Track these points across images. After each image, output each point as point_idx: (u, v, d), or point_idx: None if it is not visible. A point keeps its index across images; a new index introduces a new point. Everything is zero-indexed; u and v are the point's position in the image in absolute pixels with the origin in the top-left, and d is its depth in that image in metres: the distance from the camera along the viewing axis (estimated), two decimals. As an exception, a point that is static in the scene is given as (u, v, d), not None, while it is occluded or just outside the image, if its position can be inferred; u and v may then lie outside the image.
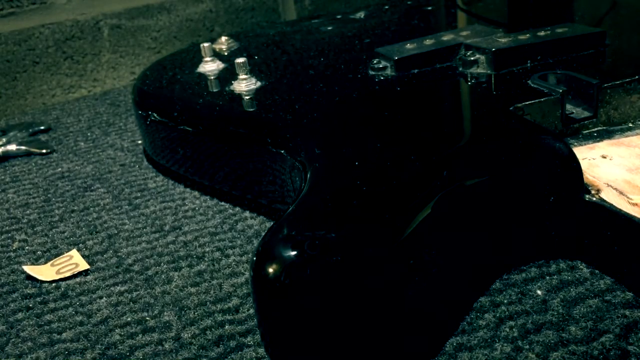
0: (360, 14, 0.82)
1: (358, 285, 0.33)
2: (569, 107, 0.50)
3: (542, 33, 0.57)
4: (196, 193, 0.60)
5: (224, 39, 0.75)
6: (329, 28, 0.78)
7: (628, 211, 0.39)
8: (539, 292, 0.40)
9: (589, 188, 0.41)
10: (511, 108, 0.47)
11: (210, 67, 0.66)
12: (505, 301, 0.40)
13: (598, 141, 0.47)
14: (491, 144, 0.42)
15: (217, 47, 0.74)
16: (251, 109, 0.56)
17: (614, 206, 0.39)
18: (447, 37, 0.61)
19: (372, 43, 0.68)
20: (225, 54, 0.72)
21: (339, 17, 0.83)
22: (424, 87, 0.55)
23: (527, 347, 0.36)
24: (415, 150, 0.42)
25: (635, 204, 0.39)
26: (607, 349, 0.35)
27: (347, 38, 0.73)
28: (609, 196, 0.40)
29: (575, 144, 0.47)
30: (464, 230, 0.40)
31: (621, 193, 0.40)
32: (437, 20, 0.80)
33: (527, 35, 0.57)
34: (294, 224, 0.35)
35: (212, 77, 0.64)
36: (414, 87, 0.55)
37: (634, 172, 0.42)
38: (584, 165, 0.44)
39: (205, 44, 0.67)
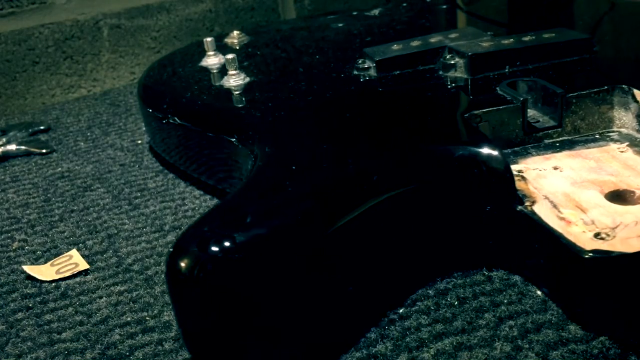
0: (375, 12, 0.82)
1: (261, 285, 0.34)
2: (536, 115, 0.49)
3: (527, 38, 0.56)
4: (196, 193, 0.61)
5: (235, 33, 0.77)
6: (340, 25, 0.78)
7: (553, 225, 0.38)
8: (538, 292, 0.40)
9: (525, 199, 0.40)
10: (466, 115, 0.46)
11: (212, 61, 0.67)
12: (505, 301, 0.40)
13: (558, 151, 0.46)
14: (421, 152, 0.42)
15: (229, 40, 0.76)
16: (228, 104, 0.57)
17: (541, 219, 0.38)
18: (434, 39, 0.60)
19: (373, 42, 0.68)
20: (237, 47, 0.74)
21: (355, 13, 0.83)
22: (392, 90, 0.55)
23: (527, 346, 0.36)
24: (354, 155, 0.42)
25: (562, 218, 0.38)
26: (607, 348, 0.35)
27: (352, 36, 0.72)
28: (541, 208, 0.40)
29: (534, 153, 0.46)
30: (390, 238, 0.41)
31: (555, 206, 0.40)
32: (444, 20, 0.80)
33: (511, 40, 0.56)
34: (209, 221, 0.36)
35: (214, 71, 0.65)
36: (385, 89, 0.55)
37: (578, 185, 0.42)
38: (531, 175, 0.43)
39: (208, 39, 0.68)
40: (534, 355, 0.36)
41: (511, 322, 0.38)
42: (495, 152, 0.41)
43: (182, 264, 0.34)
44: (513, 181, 0.40)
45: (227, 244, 0.34)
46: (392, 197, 0.40)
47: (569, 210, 0.39)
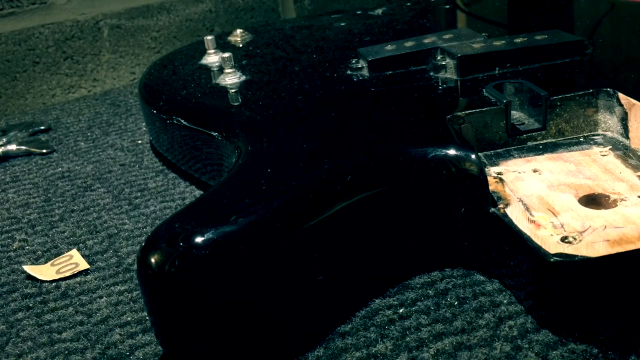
0: (379, 11, 0.82)
1: (230, 281, 0.35)
2: (522, 117, 0.49)
3: (518, 40, 0.55)
4: (196, 193, 0.61)
5: (238, 31, 0.78)
6: (342, 24, 0.78)
7: (522, 228, 0.38)
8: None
9: (499, 201, 0.40)
10: (449, 117, 0.46)
11: (212, 59, 0.68)
12: (505, 301, 0.40)
13: (540, 154, 0.46)
14: (394, 153, 0.42)
15: (232, 39, 0.78)
16: (219, 103, 0.57)
17: (512, 221, 0.38)
18: (428, 39, 0.60)
19: (371, 41, 0.68)
20: (240, 45, 0.75)
21: (359, 12, 0.83)
22: (378, 91, 0.55)
23: (527, 346, 0.36)
24: (329, 155, 0.43)
25: (533, 221, 0.38)
26: (607, 348, 0.35)
27: (352, 35, 0.73)
28: (514, 211, 0.39)
29: (516, 155, 0.46)
30: (362, 238, 0.41)
31: (527, 209, 0.39)
32: (445, 21, 0.80)
33: (502, 41, 0.55)
34: (182, 217, 0.37)
35: (214, 69, 0.66)
36: (373, 89, 0.55)
37: (553, 188, 0.41)
38: (509, 177, 0.43)
39: (209, 37, 0.69)
40: (534, 355, 0.36)
41: (511, 322, 0.38)
42: (469, 155, 0.41)
43: (152, 259, 0.34)
44: (487, 183, 0.40)
45: (196, 240, 0.34)
46: (366, 197, 0.40)
47: (540, 213, 0.39)
